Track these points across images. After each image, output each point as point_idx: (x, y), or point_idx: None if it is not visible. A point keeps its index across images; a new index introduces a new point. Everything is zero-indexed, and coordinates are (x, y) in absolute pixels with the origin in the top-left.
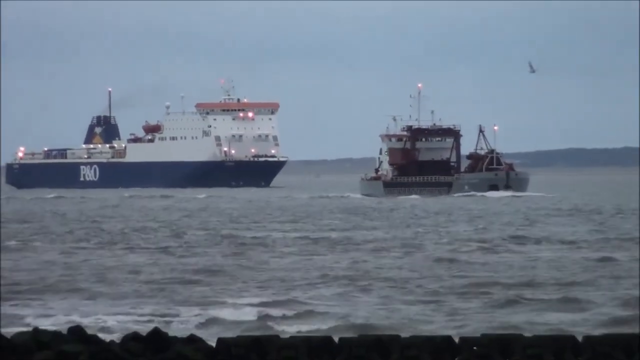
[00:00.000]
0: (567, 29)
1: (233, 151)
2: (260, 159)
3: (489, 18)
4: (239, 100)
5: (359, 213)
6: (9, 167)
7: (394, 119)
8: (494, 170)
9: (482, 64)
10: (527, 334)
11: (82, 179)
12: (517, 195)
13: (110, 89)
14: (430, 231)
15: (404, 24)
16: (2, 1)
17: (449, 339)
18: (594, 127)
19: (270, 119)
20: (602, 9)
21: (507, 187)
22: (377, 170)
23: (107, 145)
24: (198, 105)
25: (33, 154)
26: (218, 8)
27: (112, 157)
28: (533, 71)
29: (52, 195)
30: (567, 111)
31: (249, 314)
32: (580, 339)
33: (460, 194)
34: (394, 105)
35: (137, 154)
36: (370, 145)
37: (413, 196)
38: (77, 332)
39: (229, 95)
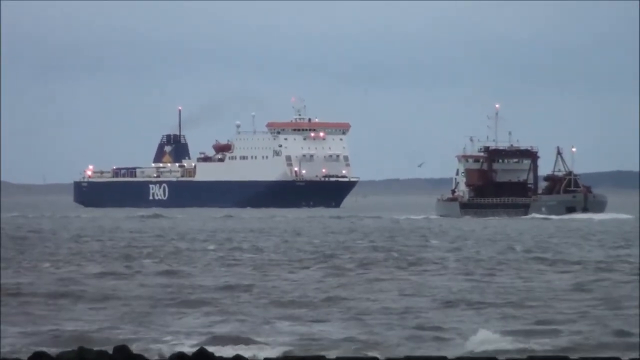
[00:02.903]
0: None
1: (304, 171)
2: (331, 179)
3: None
4: (310, 120)
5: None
6: (77, 185)
7: (471, 140)
8: (571, 193)
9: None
10: (573, 356)
11: (151, 197)
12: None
13: (180, 108)
14: None
15: (470, 47)
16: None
17: None
18: None
19: (341, 139)
20: None
21: (584, 209)
22: (453, 191)
23: (177, 164)
24: (269, 125)
25: (102, 173)
26: (287, 30)
27: (182, 176)
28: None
29: (144, 214)
30: (616, 133)
31: None
32: None
33: (538, 215)
34: (449, 127)
35: (206, 173)
36: (417, 167)
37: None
38: (122, 350)
39: (300, 114)
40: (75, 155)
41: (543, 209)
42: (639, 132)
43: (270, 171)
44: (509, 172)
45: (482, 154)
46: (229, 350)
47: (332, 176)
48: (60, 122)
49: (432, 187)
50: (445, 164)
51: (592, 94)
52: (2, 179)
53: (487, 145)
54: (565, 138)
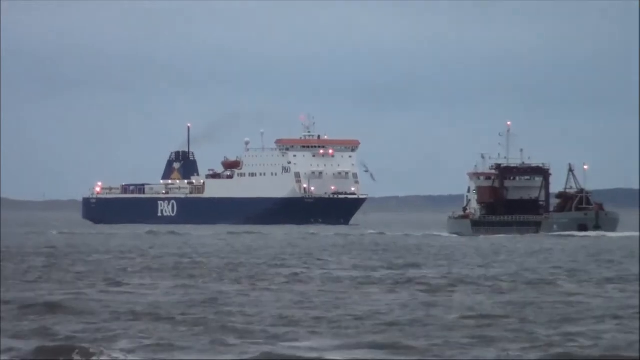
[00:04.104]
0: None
1: (312, 188)
2: (340, 196)
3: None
4: (319, 136)
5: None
6: (86, 201)
7: (483, 157)
8: (583, 210)
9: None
10: None
11: (159, 214)
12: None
13: (189, 125)
14: None
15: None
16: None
17: None
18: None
19: (350, 157)
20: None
21: (596, 227)
22: (465, 209)
23: (186, 181)
24: (278, 142)
25: (110, 189)
26: (296, 47)
27: (191, 193)
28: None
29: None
30: (617, 150)
31: None
32: None
33: (550, 233)
34: (458, 145)
35: (215, 190)
36: (418, 184)
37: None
38: None
39: (309, 131)
40: (76, 171)
41: (555, 226)
42: (639, 149)
43: (279, 188)
44: (520, 189)
45: (493, 171)
46: None
47: (341, 193)
48: (63, 138)
49: (430, 204)
50: (444, 182)
51: (593, 110)
52: (1, 195)
53: (499, 162)
54: (577, 155)
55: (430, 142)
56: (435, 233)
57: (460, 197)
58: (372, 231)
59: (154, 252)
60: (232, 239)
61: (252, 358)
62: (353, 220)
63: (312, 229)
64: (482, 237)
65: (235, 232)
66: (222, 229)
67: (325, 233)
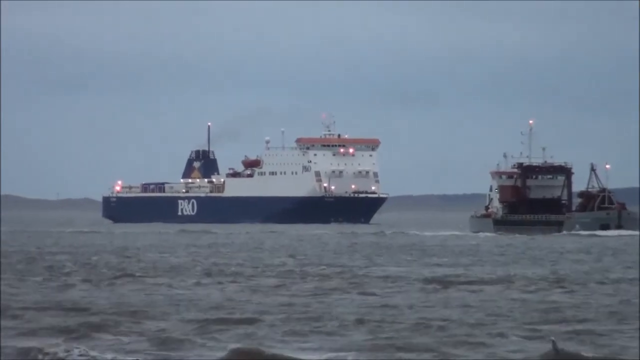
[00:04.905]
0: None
1: (333, 187)
2: (361, 195)
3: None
4: (339, 135)
5: None
6: (106, 200)
7: (505, 156)
8: (605, 209)
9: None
10: None
11: (179, 213)
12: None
13: (209, 124)
14: None
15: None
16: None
17: None
18: None
19: (370, 155)
20: None
21: (618, 226)
22: (487, 208)
23: (206, 180)
24: (298, 140)
25: (130, 188)
26: (318, 46)
27: (211, 192)
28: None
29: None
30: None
31: None
32: None
33: (572, 232)
34: (478, 144)
35: (235, 189)
36: (433, 183)
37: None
38: None
39: (329, 130)
40: (86, 170)
41: (577, 226)
42: (639, 148)
43: (299, 187)
44: (542, 188)
45: (515, 170)
46: None
47: (361, 192)
48: (66, 138)
49: (445, 203)
50: (459, 181)
51: (616, 109)
52: (15, 194)
53: (521, 161)
54: (599, 154)
55: (448, 141)
56: (457, 233)
57: (475, 196)
58: (384, 232)
59: (185, 251)
60: (250, 238)
61: (223, 357)
62: (373, 220)
63: (335, 228)
64: (504, 235)
65: (262, 230)
66: (242, 228)
67: (362, 232)
